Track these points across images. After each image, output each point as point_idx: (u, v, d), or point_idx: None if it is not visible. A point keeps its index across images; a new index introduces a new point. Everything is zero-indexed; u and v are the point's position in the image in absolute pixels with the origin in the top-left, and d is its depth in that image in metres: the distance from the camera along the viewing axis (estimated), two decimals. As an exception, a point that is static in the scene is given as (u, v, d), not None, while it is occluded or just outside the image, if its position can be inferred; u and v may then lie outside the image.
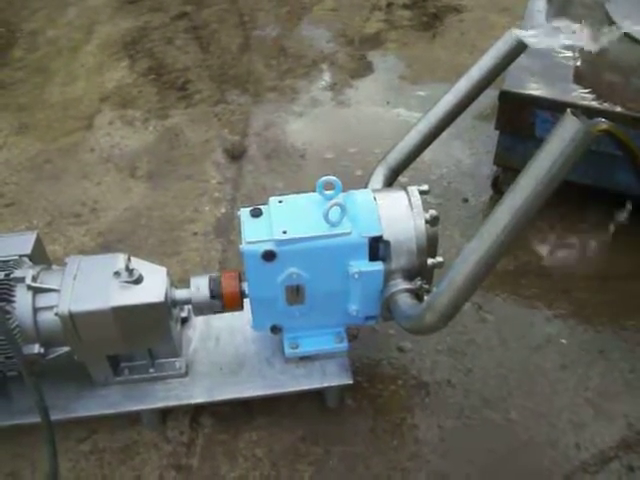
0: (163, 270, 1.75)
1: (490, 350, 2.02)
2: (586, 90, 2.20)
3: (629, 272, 2.25)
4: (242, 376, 1.81)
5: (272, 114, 3.12)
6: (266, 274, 1.60)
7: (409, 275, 1.61)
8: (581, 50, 2.25)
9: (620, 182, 2.23)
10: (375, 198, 1.62)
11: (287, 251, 1.56)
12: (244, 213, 1.64)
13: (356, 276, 1.59)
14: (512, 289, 2.22)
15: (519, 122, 2.29)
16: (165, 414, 1.86)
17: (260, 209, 1.64)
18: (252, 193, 2.67)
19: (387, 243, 1.58)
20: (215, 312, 1.74)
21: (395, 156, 1.89)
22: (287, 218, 1.60)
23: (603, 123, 1.16)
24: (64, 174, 2.82)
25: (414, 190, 1.64)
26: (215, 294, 1.69)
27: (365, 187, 1.86)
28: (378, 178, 1.87)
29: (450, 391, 1.91)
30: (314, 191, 1.63)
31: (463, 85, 1.88)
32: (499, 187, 2.56)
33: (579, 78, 2.26)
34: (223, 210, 2.60)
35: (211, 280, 1.71)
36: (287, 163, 2.83)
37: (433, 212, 1.61)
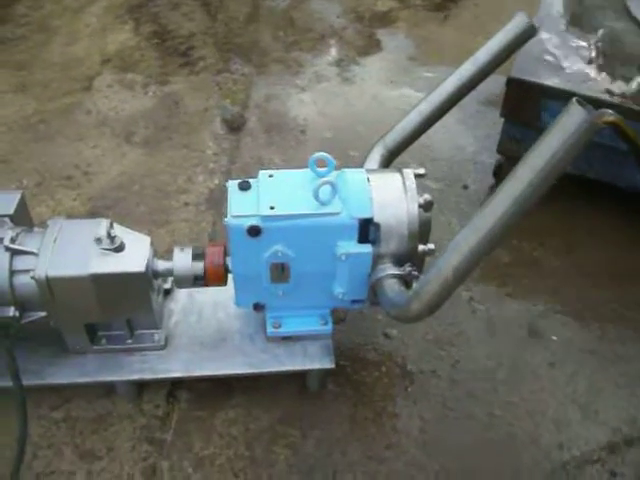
0: (146, 239, 1.70)
1: (479, 342, 1.97)
2: (598, 81, 2.13)
3: (626, 270, 2.19)
4: (222, 352, 1.77)
5: (275, 87, 3.05)
6: (251, 250, 1.54)
7: (398, 260, 1.56)
8: (596, 41, 2.18)
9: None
10: (368, 179, 1.56)
11: (273, 227, 1.50)
12: (232, 185, 1.58)
13: (343, 258, 1.53)
14: (506, 281, 2.17)
15: (525, 111, 2.22)
16: (142, 386, 1.82)
17: (249, 182, 1.58)
18: (248, 166, 2.61)
19: (377, 226, 1.52)
20: (197, 286, 1.70)
21: (393, 137, 1.82)
22: (276, 193, 1.54)
23: (610, 115, 1.10)
24: (58, 135, 2.76)
25: (409, 173, 1.58)
26: (197, 266, 1.64)
27: (361, 166, 1.80)
28: (374, 158, 1.81)
29: (435, 382, 1.87)
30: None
31: (468, 68, 1.81)
32: (501, 176, 2.50)
33: (592, 69, 2.18)
34: (217, 182, 2.54)
35: (195, 253, 1.66)
36: (286, 138, 2.76)
37: (427, 197, 1.55)
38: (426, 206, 1.54)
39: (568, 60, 2.21)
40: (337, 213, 1.50)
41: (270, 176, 1.59)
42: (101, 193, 2.50)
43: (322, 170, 1.57)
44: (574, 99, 1.10)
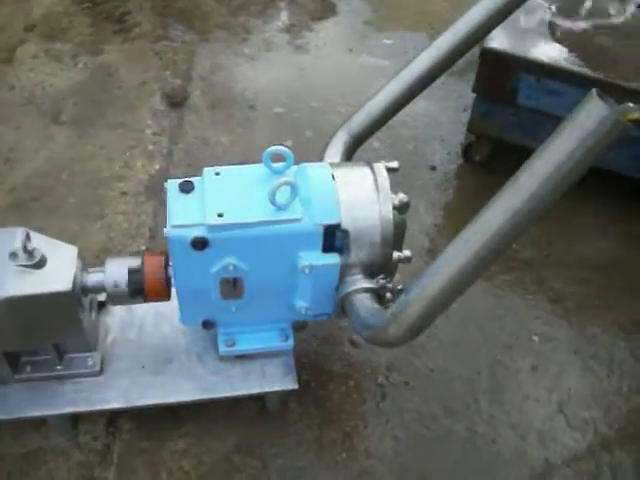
0: (72, 250, 1.43)
1: (455, 348, 1.79)
2: (578, 55, 1.93)
3: (612, 263, 2.04)
4: (167, 376, 1.53)
5: (220, 56, 2.76)
6: (196, 264, 1.30)
7: (370, 271, 1.34)
8: (578, 13, 1.97)
9: None
10: (333, 176, 1.33)
11: (223, 239, 1.26)
12: (172, 187, 1.33)
13: (306, 270, 1.31)
14: (482, 279, 1.98)
15: (500, 86, 2.02)
16: (77, 416, 1.57)
17: (192, 183, 1.33)
18: (192, 147, 2.34)
19: (345, 233, 1.30)
20: (135, 302, 1.45)
21: (360, 120, 1.59)
22: (225, 196, 1.30)
23: (636, 110, 0.89)
24: (-26, 116, 2.42)
25: (381, 168, 1.35)
26: (134, 280, 1.40)
27: (322, 156, 1.57)
28: (337, 146, 1.57)
29: (408, 395, 1.68)
30: (264, 148, 1.32)
31: (447, 40, 1.56)
32: (470, 156, 2.30)
33: (573, 42, 1.98)
34: (157, 167, 2.26)
35: (131, 265, 1.41)
36: (234, 114, 2.49)
37: (403, 197, 1.33)
38: (402, 208, 1.32)
39: (549, 31, 2.00)
40: (298, 219, 1.27)
41: (217, 174, 1.35)
42: (25, 183, 2.19)
43: (278, 166, 1.33)
44: (593, 91, 0.89)
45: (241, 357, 1.55)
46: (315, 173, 1.33)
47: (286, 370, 1.54)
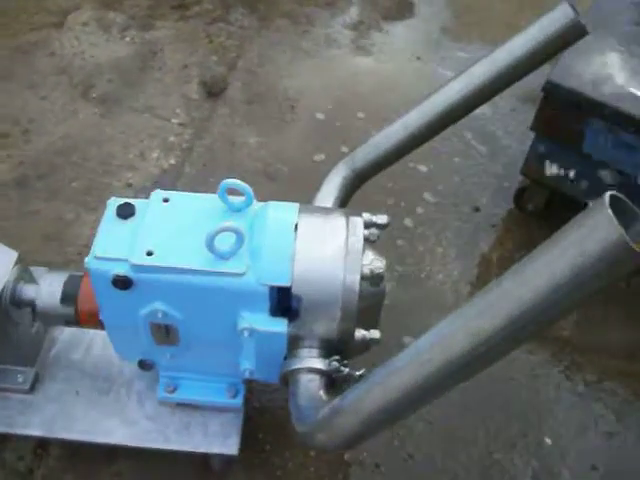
0: (11, 256, 1.27)
1: (446, 435, 1.51)
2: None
3: None
4: (99, 410, 1.35)
5: (275, 47, 2.55)
6: (122, 303, 1.10)
7: (326, 347, 1.10)
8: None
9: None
10: (296, 225, 1.09)
11: (149, 281, 1.06)
12: (111, 207, 1.13)
13: (246, 334, 1.08)
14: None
15: (563, 127, 1.69)
16: (5, 429, 1.43)
17: (132, 207, 1.12)
18: (215, 145, 2.15)
19: (298, 299, 1.05)
20: (68, 325, 1.28)
21: (366, 154, 1.34)
22: (163, 230, 1.09)
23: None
24: (7, 79, 2.32)
25: (357, 224, 1.09)
26: (68, 302, 1.22)
27: (318, 190, 1.33)
28: (335, 181, 1.33)
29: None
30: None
31: (484, 70, 1.28)
32: (522, 203, 1.98)
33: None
34: (172, 161, 2.08)
35: (68, 282, 1.23)
36: (270, 114, 2.27)
37: (378, 265, 1.07)
38: (373, 279, 1.06)
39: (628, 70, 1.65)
40: (240, 274, 1.04)
41: (165, 200, 1.13)
42: (36, 158, 2.07)
43: (236, 202, 1.11)
44: (606, 196, 0.60)
45: (184, 405, 1.35)
46: (275, 217, 1.10)
47: (230, 431, 1.33)
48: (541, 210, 1.97)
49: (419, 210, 1.99)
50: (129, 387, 1.39)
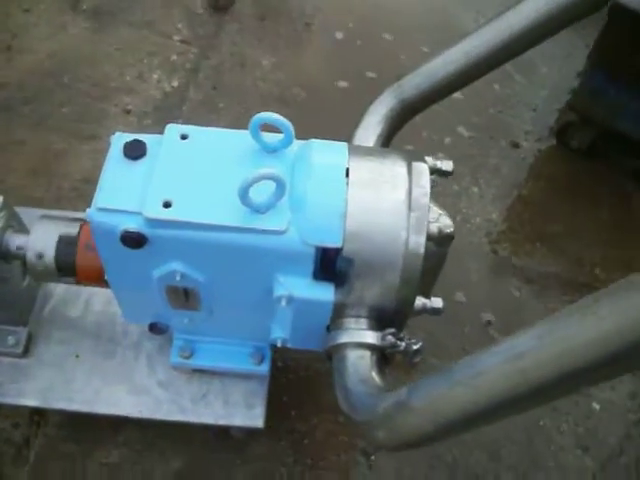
0: (-6, 199, 1.07)
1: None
2: None
3: None
4: (103, 376, 1.18)
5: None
6: (132, 262, 0.91)
7: (378, 316, 0.92)
8: None
9: None
10: (348, 170, 0.88)
11: (166, 238, 0.86)
12: (116, 144, 0.91)
13: (283, 302, 0.89)
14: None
15: (628, 59, 1.46)
16: None
17: (143, 145, 0.91)
18: (224, 66, 1.90)
19: (349, 262, 0.86)
20: (66, 282, 1.09)
21: (417, 82, 1.12)
22: (183, 174, 0.88)
23: None
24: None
25: (423, 171, 0.89)
26: (63, 259, 1.03)
27: (357, 125, 1.12)
28: (380, 112, 1.12)
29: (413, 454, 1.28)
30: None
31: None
32: (566, 139, 1.77)
33: None
34: (176, 83, 1.84)
35: (63, 237, 1.04)
36: (284, 32, 2.02)
37: (447, 222, 0.88)
38: (441, 240, 0.87)
39: None
40: (280, 232, 0.85)
41: (183, 137, 0.92)
42: (20, 80, 1.82)
43: (271, 140, 0.90)
44: None
45: (200, 370, 1.18)
46: (322, 161, 0.89)
47: (254, 401, 1.16)
48: (587, 149, 1.76)
49: (452, 145, 1.78)
50: (137, 349, 1.21)
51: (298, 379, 1.35)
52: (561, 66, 2.03)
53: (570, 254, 1.64)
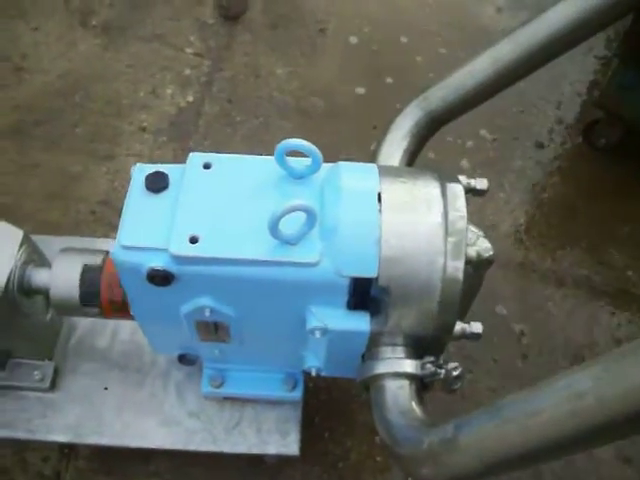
0: (16, 235, 1.04)
1: None
2: None
3: None
4: (133, 409, 1.16)
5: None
6: (160, 299, 0.88)
7: (416, 344, 0.88)
8: None
9: None
10: (380, 193, 0.85)
11: (194, 274, 0.83)
12: (138, 178, 0.88)
13: (317, 334, 0.86)
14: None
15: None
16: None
17: (166, 177, 0.88)
18: (238, 77, 1.87)
19: (385, 290, 0.83)
20: (92, 317, 1.06)
21: (443, 94, 1.08)
22: (208, 207, 0.85)
23: None
24: (-7, 5, 2.02)
25: (457, 190, 0.85)
26: (87, 294, 1.00)
27: (382, 140, 1.09)
28: (405, 127, 1.08)
29: None
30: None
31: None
32: (593, 138, 1.72)
33: None
34: (190, 98, 1.81)
35: (86, 271, 1.01)
36: (298, 39, 1.98)
37: (486, 245, 0.84)
38: (479, 264, 0.83)
39: None
40: (312, 264, 0.81)
41: (206, 166, 0.89)
42: (32, 101, 1.81)
43: (297, 166, 0.86)
44: None
45: (231, 398, 1.15)
46: (352, 185, 0.85)
47: (288, 427, 1.13)
48: (615, 148, 1.71)
49: (475, 148, 1.74)
50: (166, 378, 1.19)
51: (330, 400, 1.32)
52: (582, 60, 1.98)
53: (601, 257, 1.59)
